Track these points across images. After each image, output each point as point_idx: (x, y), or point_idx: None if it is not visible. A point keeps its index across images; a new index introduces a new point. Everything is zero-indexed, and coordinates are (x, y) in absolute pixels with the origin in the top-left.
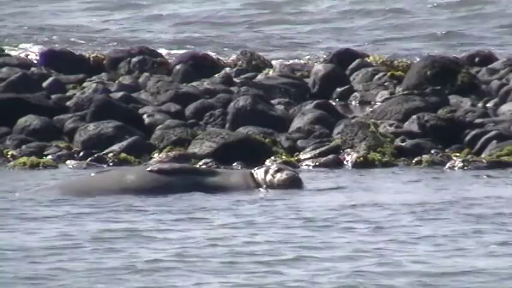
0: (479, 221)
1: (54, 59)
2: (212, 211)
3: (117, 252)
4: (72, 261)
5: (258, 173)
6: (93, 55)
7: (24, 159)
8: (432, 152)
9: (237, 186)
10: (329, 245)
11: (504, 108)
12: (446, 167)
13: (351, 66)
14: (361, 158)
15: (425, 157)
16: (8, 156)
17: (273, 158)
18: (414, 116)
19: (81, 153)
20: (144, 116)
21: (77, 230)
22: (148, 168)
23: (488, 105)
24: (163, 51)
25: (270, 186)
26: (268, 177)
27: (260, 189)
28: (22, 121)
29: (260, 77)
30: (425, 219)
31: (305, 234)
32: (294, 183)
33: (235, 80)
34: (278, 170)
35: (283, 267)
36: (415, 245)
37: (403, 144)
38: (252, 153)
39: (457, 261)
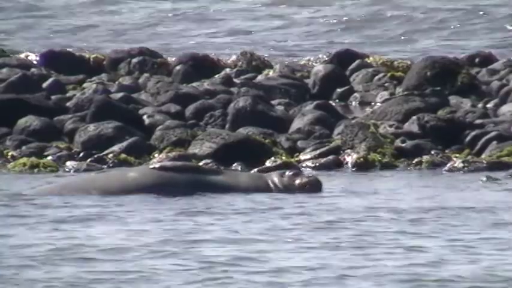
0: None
1: (54, 59)
2: None
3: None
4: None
5: (273, 175)
6: (93, 56)
7: (24, 160)
8: (432, 152)
9: (245, 187)
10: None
11: (504, 109)
12: (447, 167)
13: (351, 67)
14: (361, 159)
15: (425, 158)
16: (8, 157)
17: (273, 158)
18: (414, 117)
19: (81, 154)
20: (144, 117)
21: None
22: (151, 166)
23: (488, 105)
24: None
25: (287, 189)
26: (286, 180)
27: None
28: (22, 122)
29: (260, 77)
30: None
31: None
32: (316, 187)
33: (235, 80)
34: (296, 174)
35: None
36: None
37: (403, 145)
38: (252, 154)
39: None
